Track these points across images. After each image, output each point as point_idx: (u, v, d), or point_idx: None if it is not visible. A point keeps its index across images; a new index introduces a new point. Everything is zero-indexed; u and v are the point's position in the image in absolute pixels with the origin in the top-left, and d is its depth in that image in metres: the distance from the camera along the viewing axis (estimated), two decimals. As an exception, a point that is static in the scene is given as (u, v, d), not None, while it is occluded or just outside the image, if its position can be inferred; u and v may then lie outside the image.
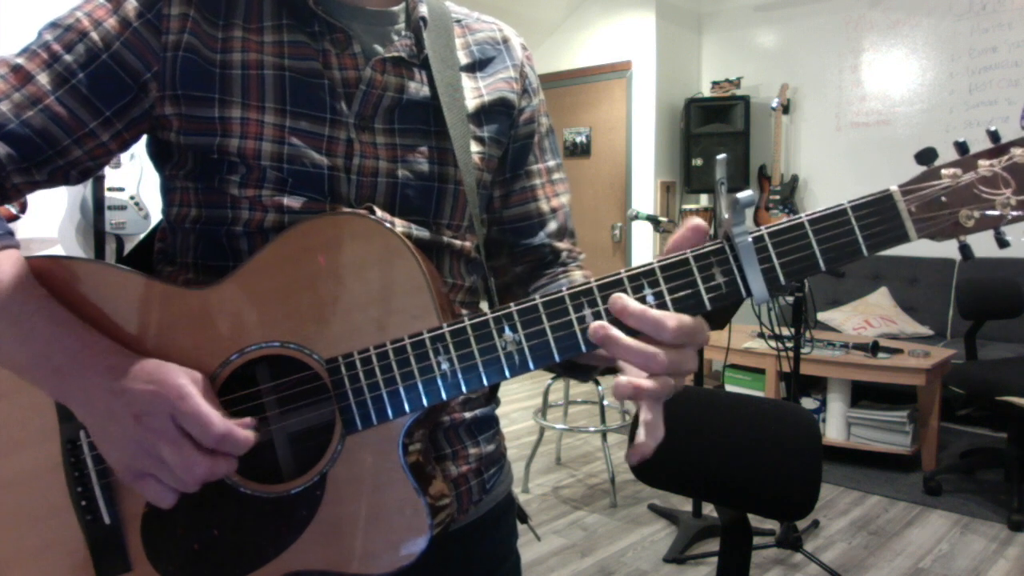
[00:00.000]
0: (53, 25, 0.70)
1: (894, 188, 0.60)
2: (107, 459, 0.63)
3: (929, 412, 3.48)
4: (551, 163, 0.91)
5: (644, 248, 5.63)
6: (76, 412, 0.64)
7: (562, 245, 0.90)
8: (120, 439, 0.61)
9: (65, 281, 0.66)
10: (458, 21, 0.86)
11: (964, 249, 0.61)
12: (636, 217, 3.19)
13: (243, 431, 0.61)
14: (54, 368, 0.62)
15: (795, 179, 5.23)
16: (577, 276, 0.87)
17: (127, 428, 0.61)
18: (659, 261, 0.62)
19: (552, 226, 0.89)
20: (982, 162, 0.60)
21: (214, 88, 0.71)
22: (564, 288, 0.62)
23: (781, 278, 0.60)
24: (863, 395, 3.83)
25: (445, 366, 0.63)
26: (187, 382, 0.61)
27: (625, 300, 0.60)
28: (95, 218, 3.08)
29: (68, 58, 0.69)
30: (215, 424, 0.60)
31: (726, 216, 0.60)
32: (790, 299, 2.91)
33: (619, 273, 0.62)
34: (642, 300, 0.61)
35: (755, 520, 2.77)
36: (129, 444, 0.61)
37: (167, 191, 0.77)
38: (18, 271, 0.64)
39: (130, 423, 0.60)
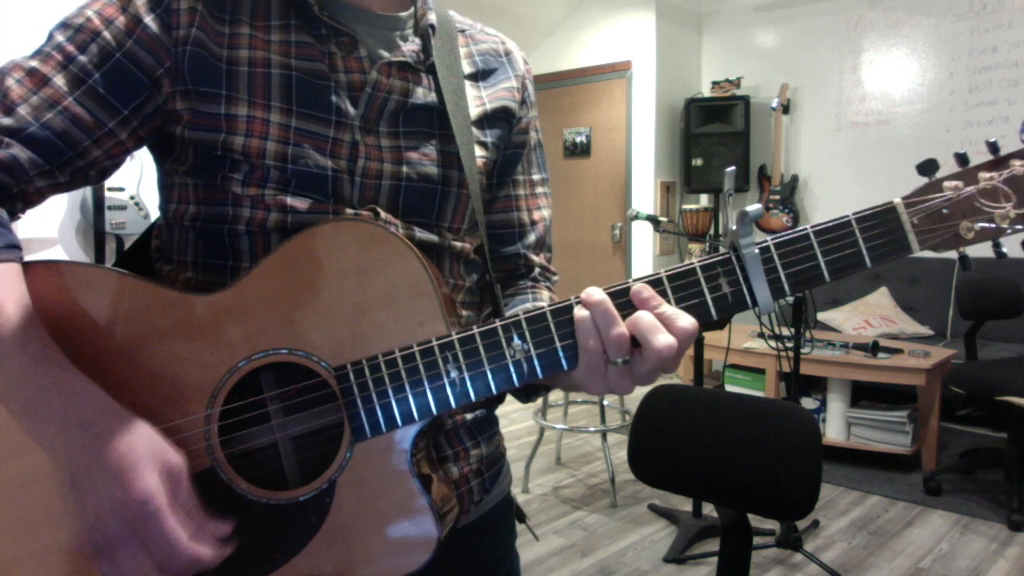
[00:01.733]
0: (64, 25, 0.70)
1: (897, 200, 0.61)
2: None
3: (929, 412, 3.48)
4: (536, 176, 0.92)
5: (644, 248, 5.63)
6: (46, 453, 0.61)
7: (537, 259, 0.91)
8: (86, 510, 0.59)
9: (65, 288, 0.66)
10: (462, 31, 0.87)
11: (963, 260, 0.63)
12: (636, 217, 3.19)
13: (207, 552, 0.60)
14: (24, 403, 0.60)
15: (795, 179, 5.23)
16: (544, 296, 0.88)
17: (88, 505, 0.58)
18: (666, 271, 0.63)
19: (531, 237, 0.90)
20: (983, 174, 0.61)
21: (221, 84, 0.71)
22: (572, 298, 0.63)
23: (786, 288, 0.62)
24: (863, 395, 3.83)
25: (454, 374, 0.64)
26: (155, 486, 0.58)
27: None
28: (95, 218, 3.08)
29: (83, 59, 0.68)
30: (181, 549, 0.58)
31: (733, 227, 0.61)
32: (790, 299, 2.91)
33: (627, 282, 0.63)
34: None
35: (755, 520, 2.77)
36: (96, 517, 0.59)
37: (165, 187, 0.77)
38: (8, 291, 0.62)
39: (95, 506, 0.58)
